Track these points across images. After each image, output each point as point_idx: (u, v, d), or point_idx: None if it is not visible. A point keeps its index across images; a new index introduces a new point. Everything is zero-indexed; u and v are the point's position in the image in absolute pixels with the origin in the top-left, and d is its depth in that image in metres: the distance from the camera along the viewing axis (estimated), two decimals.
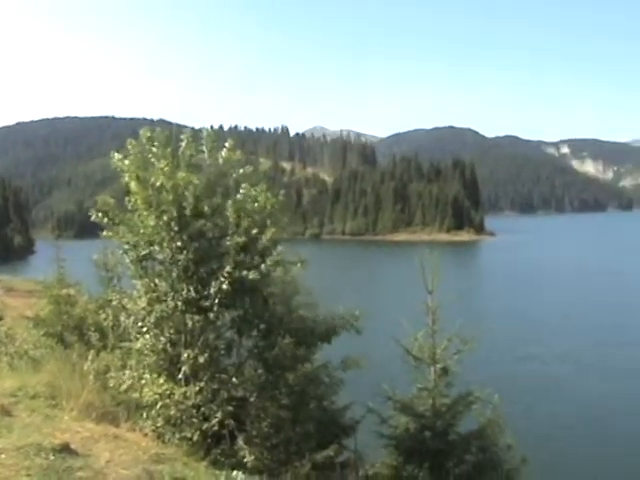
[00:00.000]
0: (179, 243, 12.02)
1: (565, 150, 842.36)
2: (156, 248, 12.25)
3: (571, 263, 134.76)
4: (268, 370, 12.46)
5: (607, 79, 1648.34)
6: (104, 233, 12.81)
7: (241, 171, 13.02)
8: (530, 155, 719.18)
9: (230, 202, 12.58)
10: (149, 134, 12.60)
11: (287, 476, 11.74)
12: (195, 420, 11.52)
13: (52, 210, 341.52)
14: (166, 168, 11.97)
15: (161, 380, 11.78)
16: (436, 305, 15.01)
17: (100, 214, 12.65)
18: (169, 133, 12.83)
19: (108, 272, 16.38)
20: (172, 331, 12.17)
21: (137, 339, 12.37)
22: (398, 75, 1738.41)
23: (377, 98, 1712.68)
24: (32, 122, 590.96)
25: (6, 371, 13.34)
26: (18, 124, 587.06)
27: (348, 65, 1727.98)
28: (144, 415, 11.46)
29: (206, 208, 12.32)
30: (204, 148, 12.84)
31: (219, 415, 11.45)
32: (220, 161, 12.81)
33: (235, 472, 8.89)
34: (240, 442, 11.72)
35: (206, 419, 11.53)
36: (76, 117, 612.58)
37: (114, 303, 13.41)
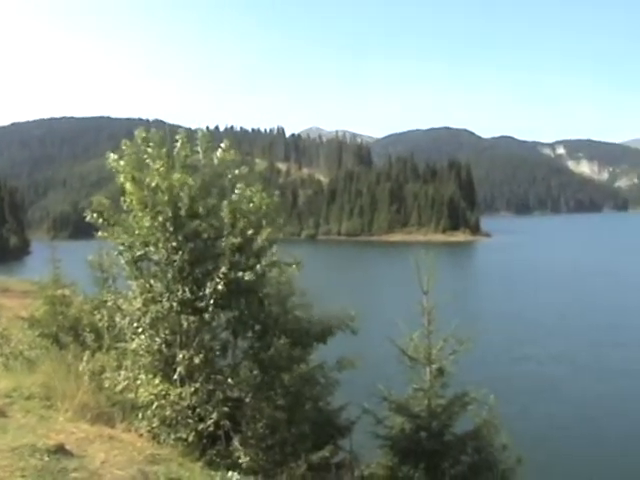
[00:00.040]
0: (174, 244, 12.01)
1: (561, 151, 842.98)
2: (151, 249, 12.24)
3: (567, 264, 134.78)
4: (264, 371, 12.46)
5: (605, 80, 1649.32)
6: (99, 234, 12.80)
7: (237, 172, 13.02)
8: (526, 156, 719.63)
9: (225, 203, 12.57)
10: (144, 135, 12.59)
11: (283, 477, 11.77)
12: (190, 421, 11.52)
13: (48, 211, 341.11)
14: (161, 169, 11.97)
15: (156, 381, 11.77)
16: (432, 306, 15.03)
17: (95, 215, 12.64)
18: (164, 133, 12.81)
19: (103, 273, 16.36)
20: (167, 332, 12.17)
21: (132, 340, 12.36)
22: (397, 75, 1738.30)
23: (375, 98, 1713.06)
24: (28, 122, 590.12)
25: (1, 372, 13.35)
26: (13, 124, 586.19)
27: (348, 65, 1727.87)
28: (139, 416, 11.45)
29: (201, 209, 12.32)
30: (199, 149, 12.84)
31: (214, 416, 11.45)
32: (215, 162, 12.80)
33: (230, 473, 8.89)
34: (235, 443, 11.71)
35: (201, 420, 11.53)
36: (72, 117, 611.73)
37: (109, 304, 13.39)
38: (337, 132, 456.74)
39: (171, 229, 12.03)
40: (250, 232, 12.43)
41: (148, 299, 12.19)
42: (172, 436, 11.34)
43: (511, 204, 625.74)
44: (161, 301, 12.07)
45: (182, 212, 12.05)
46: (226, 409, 11.60)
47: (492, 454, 14.85)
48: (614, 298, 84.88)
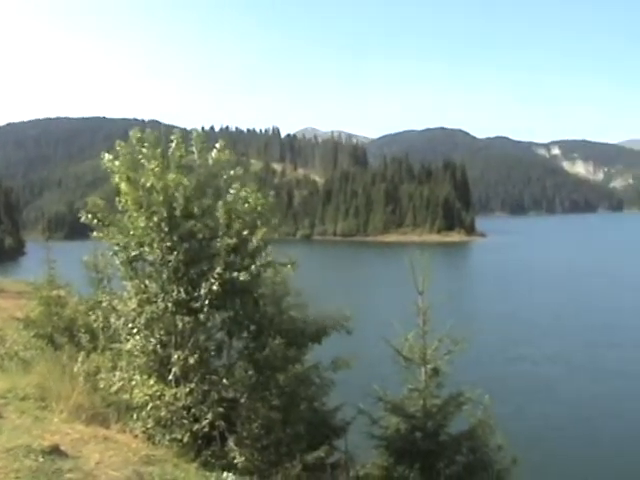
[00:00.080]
0: (169, 244, 12.01)
1: (556, 151, 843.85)
2: (146, 249, 12.24)
3: (562, 264, 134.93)
4: (259, 371, 12.46)
5: (604, 79, 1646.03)
6: (94, 234, 12.80)
7: (232, 173, 13.03)
8: (521, 156, 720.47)
9: (221, 203, 12.58)
10: (139, 135, 12.59)
11: (278, 477, 11.76)
12: (185, 421, 11.52)
13: (43, 211, 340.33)
14: (156, 169, 11.97)
15: (151, 381, 11.77)
16: (427, 306, 15.02)
17: (90, 215, 12.64)
18: (159, 134, 12.82)
19: (98, 273, 16.36)
20: (162, 332, 12.17)
21: (127, 340, 12.36)
22: (397, 75, 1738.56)
23: (375, 99, 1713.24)
24: (23, 122, 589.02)
25: None
26: (9, 125, 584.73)
27: (347, 65, 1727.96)
28: (134, 416, 11.45)
29: (196, 209, 12.33)
30: (194, 149, 12.84)
31: (209, 416, 11.45)
32: (210, 162, 12.81)
33: (226, 473, 8.90)
34: (231, 443, 11.72)
35: (196, 420, 11.52)
36: (67, 118, 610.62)
37: (104, 304, 13.38)
38: (332, 132, 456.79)
39: (166, 229, 12.04)
40: (245, 233, 12.43)
41: (143, 300, 12.19)
42: (167, 437, 11.33)
43: (506, 204, 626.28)
44: (156, 302, 12.07)
45: (177, 212, 12.05)
46: (221, 409, 11.60)
47: (487, 454, 14.85)
48: (609, 298, 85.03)
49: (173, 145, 12.51)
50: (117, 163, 12.34)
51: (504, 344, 55.71)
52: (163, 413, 11.48)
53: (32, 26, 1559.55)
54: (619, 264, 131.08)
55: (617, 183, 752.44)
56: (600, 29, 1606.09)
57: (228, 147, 13.24)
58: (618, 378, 45.66)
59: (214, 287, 11.70)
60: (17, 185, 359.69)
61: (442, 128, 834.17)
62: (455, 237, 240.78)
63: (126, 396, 11.77)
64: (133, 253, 12.34)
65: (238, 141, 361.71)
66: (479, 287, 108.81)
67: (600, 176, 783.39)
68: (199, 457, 10.60)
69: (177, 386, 11.67)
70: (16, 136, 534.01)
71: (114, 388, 12.04)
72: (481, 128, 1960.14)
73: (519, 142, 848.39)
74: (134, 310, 12.24)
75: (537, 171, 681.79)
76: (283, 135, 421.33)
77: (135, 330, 12.22)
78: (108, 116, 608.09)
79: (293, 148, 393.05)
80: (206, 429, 11.49)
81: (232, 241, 12.23)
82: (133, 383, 11.91)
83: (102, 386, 12.17)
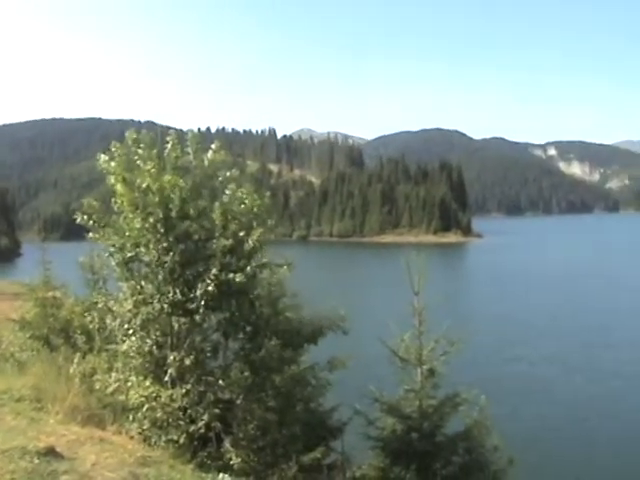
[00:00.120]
0: (165, 245, 12.01)
1: (552, 152, 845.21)
2: (142, 250, 12.24)
3: (558, 265, 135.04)
4: (254, 372, 12.45)
5: (604, 79, 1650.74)
6: (90, 235, 12.79)
7: (228, 174, 13.04)
8: (517, 157, 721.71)
9: (217, 204, 12.58)
10: (135, 136, 12.59)
11: (274, 478, 11.79)
12: (181, 423, 11.52)
13: (38, 212, 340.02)
14: (152, 170, 11.96)
15: (147, 383, 11.76)
16: (422, 306, 15.03)
17: (85, 217, 12.63)
18: (155, 135, 12.81)
19: (94, 274, 16.29)
20: (158, 333, 12.17)
21: (123, 342, 12.36)
22: (397, 75, 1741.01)
23: (373, 99, 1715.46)
24: (18, 124, 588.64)
25: None
26: (4, 126, 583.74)
27: (347, 65, 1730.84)
28: (130, 418, 11.44)
29: (192, 210, 12.33)
30: (189, 150, 12.84)
31: (205, 418, 11.45)
32: (206, 163, 12.81)
33: (222, 475, 8.90)
34: (227, 444, 11.72)
35: (192, 422, 11.52)
36: (63, 118, 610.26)
37: (100, 306, 13.36)
38: (328, 133, 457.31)
39: (162, 230, 12.03)
40: (241, 234, 12.44)
41: (139, 301, 12.19)
42: (163, 438, 11.33)
43: (502, 205, 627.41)
44: (152, 303, 12.06)
45: (173, 213, 12.05)
46: (217, 411, 11.61)
47: (483, 455, 14.86)
48: (605, 299, 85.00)
49: (169, 146, 12.51)
50: (113, 164, 12.34)
51: (500, 345, 55.70)
52: (159, 414, 11.47)
53: (32, 26, 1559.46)
54: (615, 265, 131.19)
55: (613, 184, 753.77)
56: (600, 29, 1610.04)
57: (224, 148, 13.26)
58: (614, 379, 45.66)
59: (210, 288, 11.70)
60: (13, 186, 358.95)
61: (438, 129, 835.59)
62: (451, 238, 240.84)
63: (122, 397, 11.77)
64: (129, 254, 12.34)
65: (234, 142, 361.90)
66: (475, 288, 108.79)
67: (596, 177, 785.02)
68: (195, 458, 10.60)
69: (173, 387, 11.66)
70: (11, 137, 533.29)
71: (110, 389, 12.03)
72: (477, 129, 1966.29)
73: (515, 143, 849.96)
74: (130, 311, 12.24)
75: (533, 172, 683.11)
76: (279, 136, 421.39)
77: (131, 331, 12.22)
78: (104, 117, 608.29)
79: (289, 149, 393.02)
80: (202, 430, 11.49)
81: (228, 242, 12.24)
82: (129, 384, 11.91)
83: (98, 387, 12.16)
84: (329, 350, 14.75)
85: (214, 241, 12.31)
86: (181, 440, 11.33)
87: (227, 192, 12.74)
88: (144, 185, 12.03)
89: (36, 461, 6.97)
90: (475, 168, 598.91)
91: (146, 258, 12.31)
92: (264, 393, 12.54)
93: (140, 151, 12.35)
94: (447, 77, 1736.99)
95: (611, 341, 57.71)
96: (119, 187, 12.24)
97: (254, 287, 12.72)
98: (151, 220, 12.01)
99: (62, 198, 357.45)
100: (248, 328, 12.81)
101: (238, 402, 12.17)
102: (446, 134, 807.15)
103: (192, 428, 11.46)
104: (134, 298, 12.23)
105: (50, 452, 7.27)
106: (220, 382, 12.10)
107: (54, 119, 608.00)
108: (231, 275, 11.88)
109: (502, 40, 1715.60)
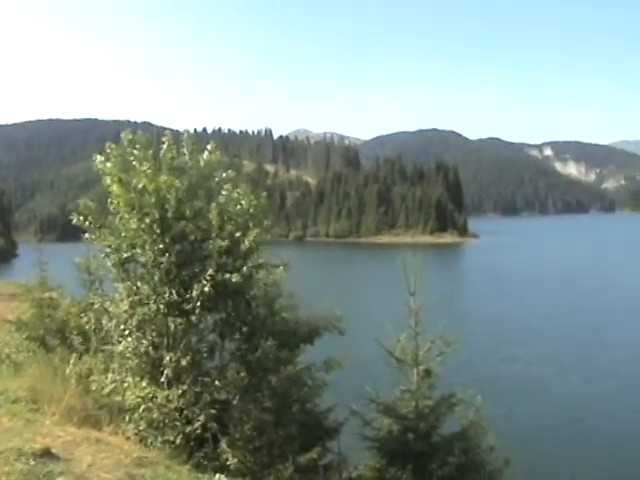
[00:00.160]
0: (161, 246, 12.01)
1: (548, 152, 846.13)
2: (138, 251, 12.24)
3: (554, 265, 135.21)
4: (251, 373, 12.45)
5: (600, 80, 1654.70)
6: (86, 236, 12.78)
7: (224, 175, 13.03)
8: (513, 157, 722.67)
9: (213, 205, 12.58)
10: (130, 137, 12.59)
11: (270, 479, 11.77)
12: (178, 423, 11.51)
13: (35, 213, 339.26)
14: (148, 171, 11.96)
15: (143, 383, 11.76)
16: (418, 307, 15.04)
17: (81, 217, 12.63)
18: (151, 135, 12.81)
19: (90, 275, 16.27)
20: (154, 334, 12.17)
21: (119, 342, 12.35)
22: (397, 75, 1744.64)
23: (373, 99, 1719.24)
24: (14, 125, 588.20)
25: None
26: (0, 127, 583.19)
27: (347, 65, 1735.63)
28: (126, 418, 11.44)
29: (188, 211, 12.32)
30: (185, 150, 12.84)
31: (202, 418, 11.44)
32: (201, 163, 12.81)
33: (218, 475, 8.90)
34: (223, 445, 11.72)
35: (189, 422, 11.52)
36: (59, 119, 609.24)
37: (96, 306, 13.35)
38: (325, 134, 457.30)
39: (158, 231, 12.03)
40: (237, 234, 12.44)
41: (135, 301, 12.18)
42: (159, 439, 11.32)
43: (498, 205, 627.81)
44: (148, 303, 12.06)
45: (169, 214, 12.04)
46: (213, 411, 11.60)
47: (479, 455, 14.88)
48: (601, 299, 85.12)
49: (164, 147, 12.51)
50: (109, 165, 12.34)
51: (496, 345, 55.74)
52: (155, 415, 11.47)
53: (31, 26, 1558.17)
54: (611, 265, 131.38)
55: (609, 184, 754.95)
56: (599, 29, 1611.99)
57: (220, 148, 13.25)
58: (610, 379, 45.72)
59: (206, 289, 11.70)
60: (9, 187, 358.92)
61: (435, 129, 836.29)
62: (448, 238, 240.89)
63: (118, 398, 11.75)
64: (125, 255, 12.33)
65: (231, 142, 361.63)
66: (471, 288, 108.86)
67: (592, 177, 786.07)
68: (191, 459, 10.59)
69: (169, 388, 11.66)
70: (7, 138, 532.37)
71: (106, 390, 12.02)
72: (473, 129, 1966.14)
73: (511, 143, 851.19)
74: (126, 312, 12.23)
75: (529, 172, 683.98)
76: (276, 136, 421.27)
77: (127, 332, 12.21)
78: (100, 118, 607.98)
79: (286, 149, 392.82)
80: (198, 431, 11.49)
81: (224, 243, 12.24)
82: (125, 385, 11.91)
83: (94, 388, 12.15)
84: (325, 350, 14.74)
85: (210, 242, 12.31)
86: (177, 441, 11.32)
87: (223, 193, 12.74)
88: (140, 186, 12.03)
89: (32, 462, 6.96)
90: (471, 168, 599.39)
91: (142, 259, 12.31)
92: (260, 394, 12.54)
93: (136, 152, 12.35)
94: (447, 77, 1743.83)
95: (607, 341, 57.79)
96: (115, 188, 12.24)
97: (250, 288, 12.71)
98: (147, 221, 12.01)
99: (58, 199, 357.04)
100: (244, 329, 12.81)
101: (234, 403, 12.17)
102: (442, 135, 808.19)
103: (188, 429, 11.45)
104: (130, 299, 12.23)
105: (46, 453, 7.26)
106: (216, 383, 12.10)
107: (50, 120, 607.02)
108: (227, 276, 11.87)
109: (502, 40, 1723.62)
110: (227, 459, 11.44)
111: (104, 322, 12.96)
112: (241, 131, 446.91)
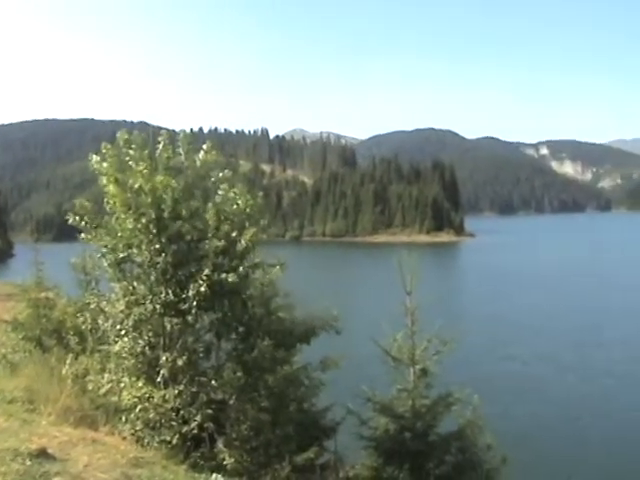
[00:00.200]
0: (157, 246, 12.00)
1: (544, 151, 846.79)
2: (134, 251, 12.23)
3: (550, 264, 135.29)
4: (247, 372, 12.45)
5: (599, 80, 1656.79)
6: (82, 236, 12.76)
7: (220, 174, 13.03)
8: (509, 156, 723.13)
9: (210, 205, 12.58)
10: (126, 137, 12.58)
11: (267, 478, 11.78)
12: (174, 423, 11.50)
13: (31, 213, 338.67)
14: (144, 171, 11.95)
15: (140, 383, 11.75)
16: (415, 306, 15.05)
17: (78, 217, 12.61)
18: (147, 135, 12.80)
19: (86, 275, 16.26)
20: (151, 334, 12.16)
21: (116, 342, 12.34)
22: (397, 75, 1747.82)
23: (373, 98, 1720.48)
24: (10, 125, 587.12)
25: None
26: None
27: (347, 65, 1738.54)
28: (123, 419, 11.43)
29: (184, 211, 12.31)
30: (181, 150, 12.83)
31: (198, 418, 11.44)
32: (198, 163, 12.80)
33: (215, 475, 8.89)
34: (220, 445, 11.72)
35: (185, 422, 11.51)
36: (55, 119, 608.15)
37: (92, 306, 13.33)
38: (321, 133, 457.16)
39: (154, 231, 12.02)
40: (234, 234, 12.44)
41: (131, 301, 12.17)
42: (156, 439, 11.32)
43: (495, 204, 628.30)
44: (144, 303, 12.05)
45: (165, 214, 12.04)
46: (210, 411, 11.60)
47: (476, 454, 14.89)
48: (598, 298, 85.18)
49: (160, 147, 12.51)
50: (105, 165, 12.32)
51: (493, 344, 55.75)
52: (152, 415, 11.46)
53: (31, 26, 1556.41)
54: (607, 264, 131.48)
55: (605, 183, 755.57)
56: (599, 28, 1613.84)
57: (216, 148, 13.25)
58: (606, 377, 45.76)
59: (202, 289, 11.69)
60: (5, 187, 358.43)
61: (432, 129, 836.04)
62: (444, 237, 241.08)
63: (115, 398, 11.75)
64: (121, 255, 12.33)
65: (227, 142, 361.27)
66: (468, 287, 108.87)
67: (588, 176, 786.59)
68: (188, 459, 10.59)
69: (166, 388, 11.65)
70: (3, 139, 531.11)
71: (103, 390, 12.01)
72: (470, 129, 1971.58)
73: (508, 142, 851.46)
74: (122, 312, 12.22)
75: (526, 171, 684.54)
76: (272, 136, 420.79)
77: (123, 332, 12.20)
78: (96, 118, 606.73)
79: (282, 149, 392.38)
80: (195, 431, 11.48)
81: (221, 243, 12.23)
82: (122, 385, 11.90)
83: (90, 388, 12.14)
84: (322, 350, 14.75)
85: (206, 242, 12.30)
86: (174, 441, 11.32)
87: (220, 192, 12.74)
88: (136, 186, 12.02)
89: (28, 463, 6.96)
90: (467, 168, 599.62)
91: (138, 259, 12.30)
92: (257, 393, 12.54)
93: (132, 152, 12.34)
94: (446, 75, 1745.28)
95: (603, 340, 57.81)
96: (111, 188, 12.23)
97: (247, 287, 12.71)
98: (143, 221, 12.00)
99: (54, 199, 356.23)
100: (241, 328, 12.81)
101: (231, 402, 12.17)
102: (439, 134, 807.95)
103: (185, 429, 11.45)
104: (126, 299, 12.22)
105: (42, 454, 7.26)
106: (213, 382, 12.10)
107: (47, 120, 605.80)
108: (223, 275, 11.87)
109: (503, 39, 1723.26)
110: (224, 459, 11.45)
111: (100, 322, 12.95)
112: (237, 131, 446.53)
